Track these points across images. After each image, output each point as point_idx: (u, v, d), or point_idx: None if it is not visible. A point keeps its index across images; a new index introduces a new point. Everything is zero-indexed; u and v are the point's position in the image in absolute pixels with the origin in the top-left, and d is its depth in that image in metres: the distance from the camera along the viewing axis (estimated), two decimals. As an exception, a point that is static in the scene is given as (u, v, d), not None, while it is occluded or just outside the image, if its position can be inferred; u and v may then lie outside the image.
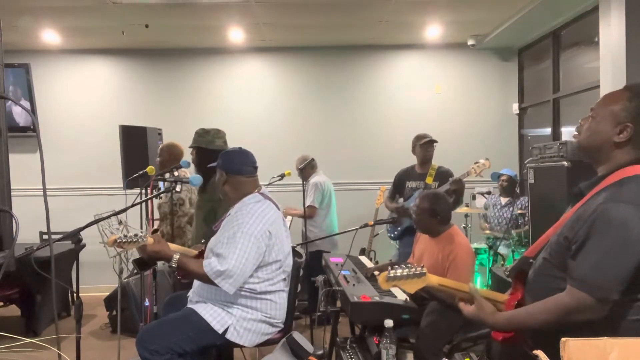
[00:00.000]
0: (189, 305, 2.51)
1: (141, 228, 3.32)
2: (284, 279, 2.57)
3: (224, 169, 2.56)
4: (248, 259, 2.33)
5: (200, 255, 2.63)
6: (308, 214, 4.49)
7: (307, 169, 4.69)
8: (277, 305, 2.50)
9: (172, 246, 2.57)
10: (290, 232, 2.76)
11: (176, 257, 2.33)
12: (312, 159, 4.73)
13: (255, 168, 2.61)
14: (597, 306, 1.43)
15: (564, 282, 1.53)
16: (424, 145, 3.98)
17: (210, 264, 2.30)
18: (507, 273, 1.82)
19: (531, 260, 1.71)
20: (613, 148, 1.56)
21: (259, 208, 2.45)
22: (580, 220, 1.50)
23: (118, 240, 2.28)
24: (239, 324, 2.40)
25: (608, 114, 1.58)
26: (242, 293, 2.41)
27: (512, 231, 4.57)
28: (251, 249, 2.33)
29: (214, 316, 2.38)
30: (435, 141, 4.02)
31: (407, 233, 3.95)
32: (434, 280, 1.77)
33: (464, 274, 2.77)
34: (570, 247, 1.51)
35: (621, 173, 1.53)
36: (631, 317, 1.46)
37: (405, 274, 1.71)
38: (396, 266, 1.74)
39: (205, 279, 2.32)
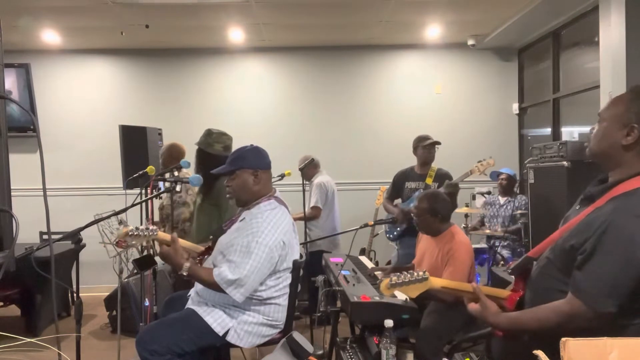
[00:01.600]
0: (190, 306, 2.50)
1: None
2: (289, 283, 2.56)
3: (255, 167, 2.50)
4: (261, 269, 2.31)
5: (207, 251, 2.62)
6: (313, 215, 4.48)
7: (309, 168, 4.64)
8: (281, 308, 2.49)
9: (181, 242, 2.56)
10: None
11: (187, 265, 2.33)
12: (312, 159, 4.69)
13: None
14: (595, 318, 1.44)
15: (564, 285, 1.54)
16: (426, 147, 3.96)
17: (220, 274, 2.29)
18: (510, 270, 1.82)
19: (534, 262, 1.72)
20: (623, 152, 1.53)
21: (274, 217, 2.42)
22: (589, 229, 1.48)
23: (130, 233, 2.29)
24: (239, 326, 2.38)
25: (613, 117, 1.55)
26: (248, 300, 2.39)
27: (507, 229, 4.56)
28: (265, 259, 2.31)
29: (215, 318, 2.36)
30: (438, 143, 4.00)
31: (407, 234, 3.94)
32: (436, 282, 1.77)
33: (460, 271, 2.77)
34: (576, 256, 1.50)
35: (635, 182, 1.50)
36: (633, 322, 1.47)
37: (407, 280, 1.71)
38: (397, 273, 1.74)
39: (216, 288, 2.31)
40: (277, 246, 2.35)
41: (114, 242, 3.40)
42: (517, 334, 1.65)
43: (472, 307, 1.69)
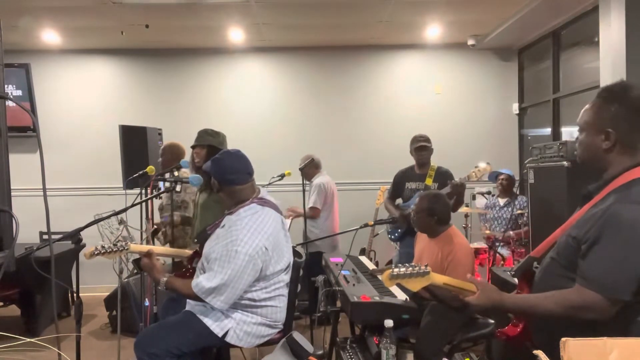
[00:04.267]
0: (188, 308, 2.49)
1: (141, 228, 3.32)
2: (286, 284, 2.54)
3: (216, 178, 2.46)
4: (242, 277, 2.27)
5: (196, 255, 2.61)
6: (311, 215, 4.47)
7: (309, 168, 4.62)
8: (278, 309, 2.49)
9: (162, 249, 2.55)
10: (290, 232, 2.73)
11: (164, 280, 2.34)
12: (312, 159, 4.68)
13: (250, 174, 2.48)
14: (607, 306, 1.44)
15: (571, 282, 1.53)
16: (417, 150, 3.98)
17: (198, 284, 2.27)
18: (513, 273, 1.82)
19: (536, 263, 1.72)
20: (606, 154, 1.58)
21: (255, 222, 2.35)
22: (590, 221, 1.51)
23: (96, 252, 2.29)
24: (239, 327, 2.38)
25: (588, 125, 1.62)
26: (242, 302, 2.39)
27: (511, 232, 4.56)
28: (245, 267, 2.26)
29: (214, 320, 2.36)
30: (428, 145, 3.98)
31: (408, 234, 3.94)
32: (438, 279, 1.76)
33: (462, 275, 2.76)
34: (579, 247, 1.52)
35: (628, 175, 1.54)
36: (636, 319, 1.47)
37: (408, 272, 1.71)
38: (400, 264, 1.73)
39: (195, 298, 2.30)
40: (258, 253, 2.30)
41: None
42: (522, 337, 1.64)
43: (470, 298, 1.66)
